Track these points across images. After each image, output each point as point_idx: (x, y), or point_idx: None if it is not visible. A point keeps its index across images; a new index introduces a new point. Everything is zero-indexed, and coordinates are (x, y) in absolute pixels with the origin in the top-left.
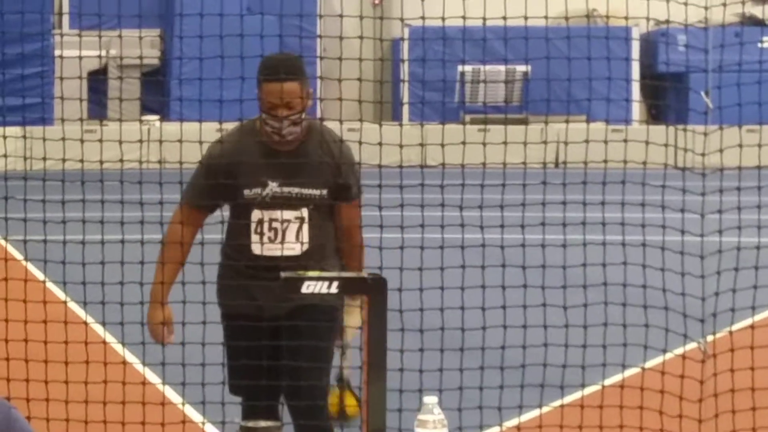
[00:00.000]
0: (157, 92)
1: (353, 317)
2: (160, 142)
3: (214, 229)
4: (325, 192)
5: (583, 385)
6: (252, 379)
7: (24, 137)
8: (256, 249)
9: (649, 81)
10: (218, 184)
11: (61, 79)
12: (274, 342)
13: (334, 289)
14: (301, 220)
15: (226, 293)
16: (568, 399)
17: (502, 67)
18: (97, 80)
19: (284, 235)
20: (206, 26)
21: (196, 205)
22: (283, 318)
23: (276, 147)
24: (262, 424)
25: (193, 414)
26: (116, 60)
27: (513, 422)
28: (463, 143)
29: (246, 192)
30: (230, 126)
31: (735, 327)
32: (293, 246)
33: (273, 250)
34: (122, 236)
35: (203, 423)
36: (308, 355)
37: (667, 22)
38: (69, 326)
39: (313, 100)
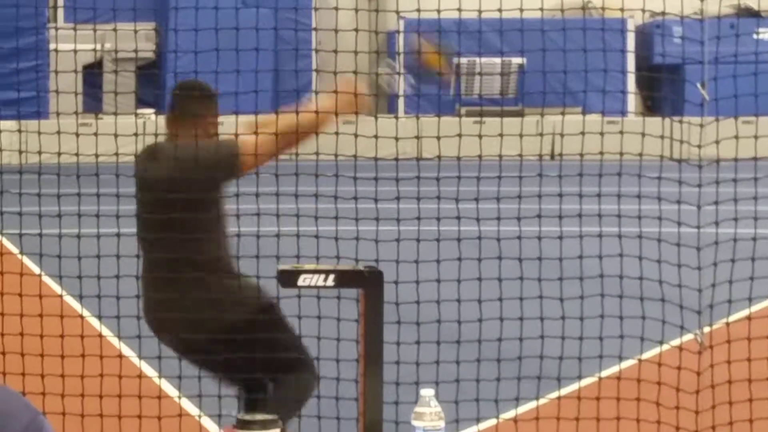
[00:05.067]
0: (153, 85)
1: None
2: (156, 135)
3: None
4: None
5: (579, 377)
6: None
7: (19, 131)
8: None
9: (645, 73)
10: None
11: (56, 72)
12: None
13: (330, 282)
14: None
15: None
16: (565, 391)
17: (497, 60)
18: (93, 74)
19: None
20: (201, 19)
21: None
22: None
23: None
24: (259, 416)
25: (190, 407)
26: (111, 53)
27: (510, 414)
28: (459, 135)
29: None
30: (225, 119)
31: (732, 318)
32: None
33: None
34: (118, 230)
35: (200, 416)
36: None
37: (663, 13)
38: (65, 320)
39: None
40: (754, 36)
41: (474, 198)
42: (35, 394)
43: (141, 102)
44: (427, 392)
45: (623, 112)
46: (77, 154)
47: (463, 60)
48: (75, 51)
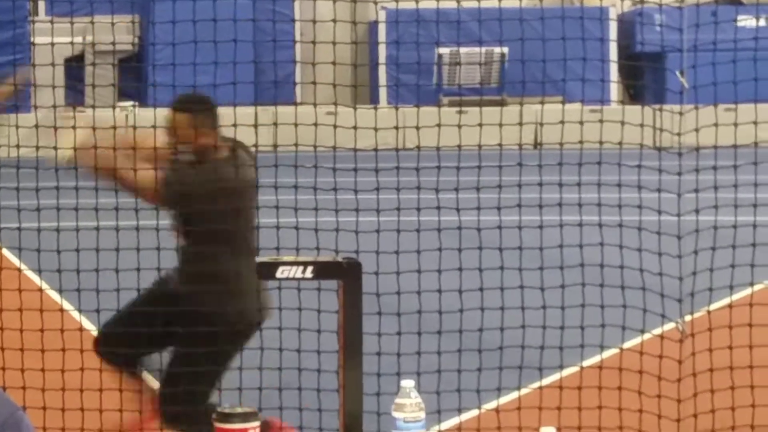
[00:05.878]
0: (134, 78)
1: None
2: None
3: None
4: None
5: (561, 367)
6: None
7: None
8: None
9: (625, 61)
10: None
11: (34, 66)
12: None
13: (308, 274)
14: None
15: None
16: (547, 381)
17: (479, 49)
18: (73, 67)
19: None
20: (180, 12)
21: None
22: None
23: None
24: (239, 409)
25: None
26: (92, 46)
27: (491, 404)
28: (438, 125)
29: None
30: None
31: (713, 306)
32: None
33: None
34: (97, 223)
35: None
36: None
37: (643, 1)
38: (45, 314)
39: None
40: (734, 23)
41: (454, 188)
42: (15, 388)
43: (122, 95)
44: (407, 383)
45: (604, 101)
46: (56, 148)
47: (445, 50)
48: (52, 44)
